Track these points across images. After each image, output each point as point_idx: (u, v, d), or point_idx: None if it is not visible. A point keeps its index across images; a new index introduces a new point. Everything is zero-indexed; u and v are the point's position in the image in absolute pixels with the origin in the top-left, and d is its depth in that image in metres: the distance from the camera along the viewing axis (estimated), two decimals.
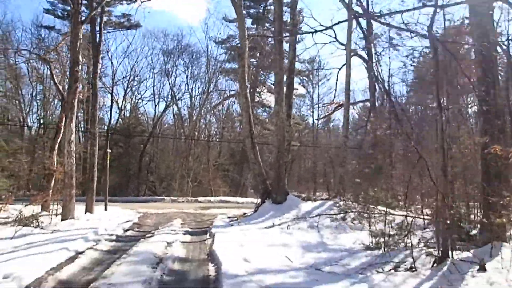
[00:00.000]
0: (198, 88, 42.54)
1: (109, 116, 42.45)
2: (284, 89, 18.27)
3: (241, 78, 17.21)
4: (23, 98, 38.56)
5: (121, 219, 16.12)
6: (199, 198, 31.75)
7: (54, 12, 38.34)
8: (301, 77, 45.92)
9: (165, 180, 38.52)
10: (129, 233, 13.01)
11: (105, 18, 42.41)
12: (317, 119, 40.39)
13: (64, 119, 16.83)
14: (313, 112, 53.92)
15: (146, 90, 43.69)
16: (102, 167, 39.23)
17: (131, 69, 41.39)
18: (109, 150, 21.25)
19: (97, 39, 19.36)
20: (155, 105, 41.55)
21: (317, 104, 60.54)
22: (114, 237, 11.80)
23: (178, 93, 40.91)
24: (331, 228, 13.00)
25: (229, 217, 17.71)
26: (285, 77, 19.47)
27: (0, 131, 37.26)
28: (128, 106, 41.58)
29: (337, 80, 25.54)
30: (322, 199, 17.99)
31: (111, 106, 41.75)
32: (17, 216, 12.66)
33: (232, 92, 44.12)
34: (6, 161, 20.42)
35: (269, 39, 40.61)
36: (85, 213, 16.96)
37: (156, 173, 37.45)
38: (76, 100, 15.53)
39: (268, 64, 41.99)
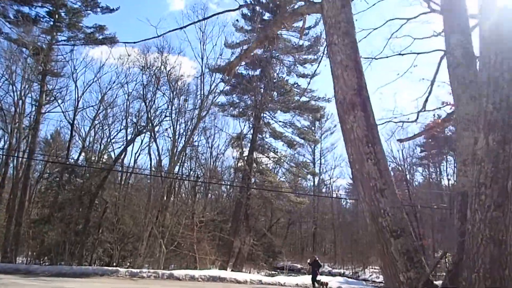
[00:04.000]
0: (186, 122, 30.54)
1: (65, 153, 30.41)
2: None
3: None
4: None
5: None
6: (176, 272, 18.99)
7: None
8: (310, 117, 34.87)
9: (129, 242, 25.59)
10: None
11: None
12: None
13: None
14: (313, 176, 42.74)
15: (119, 131, 30.35)
16: (47, 217, 26.57)
17: (102, 97, 29.66)
18: None
19: None
20: (126, 140, 29.22)
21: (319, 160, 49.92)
22: None
23: (157, 122, 28.77)
24: None
25: None
26: None
27: None
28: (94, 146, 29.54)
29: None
30: None
31: (70, 140, 29.70)
32: None
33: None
34: None
35: None
36: None
37: (116, 230, 24.28)
38: None
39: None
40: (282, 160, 32.25)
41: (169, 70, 28.50)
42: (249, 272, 27.27)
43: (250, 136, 31.67)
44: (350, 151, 5.02)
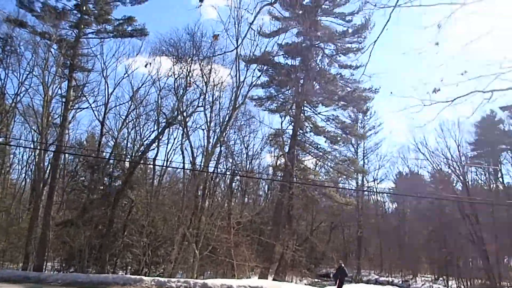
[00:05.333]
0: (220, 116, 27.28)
1: (96, 153, 28.12)
2: None
3: None
4: None
5: None
6: (211, 282, 15.84)
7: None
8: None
9: (162, 247, 22.72)
10: None
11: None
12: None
13: None
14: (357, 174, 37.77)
15: (152, 132, 27.81)
16: (71, 220, 24.25)
17: (133, 94, 27.09)
18: None
19: None
20: (158, 139, 26.50)
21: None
22: None
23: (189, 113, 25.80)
24: None
25: None
26: None
27: None
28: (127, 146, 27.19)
29: None
30: None
31: (100, 138, 27.42)
32: None
33: None
34: None
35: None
36: None
37: (146, 233, 21.37)
38: None
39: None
40: (325, 157, 28.56)
41: (202, 60, 25.70)
42: (292, 281, 23.78)
43: (290, 132, 28.33)
44: None
